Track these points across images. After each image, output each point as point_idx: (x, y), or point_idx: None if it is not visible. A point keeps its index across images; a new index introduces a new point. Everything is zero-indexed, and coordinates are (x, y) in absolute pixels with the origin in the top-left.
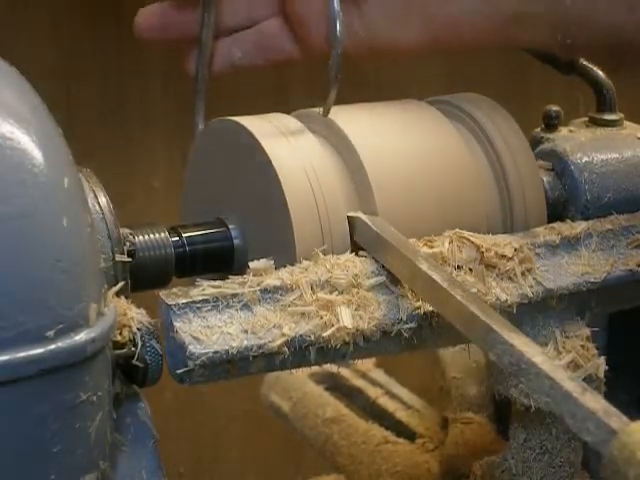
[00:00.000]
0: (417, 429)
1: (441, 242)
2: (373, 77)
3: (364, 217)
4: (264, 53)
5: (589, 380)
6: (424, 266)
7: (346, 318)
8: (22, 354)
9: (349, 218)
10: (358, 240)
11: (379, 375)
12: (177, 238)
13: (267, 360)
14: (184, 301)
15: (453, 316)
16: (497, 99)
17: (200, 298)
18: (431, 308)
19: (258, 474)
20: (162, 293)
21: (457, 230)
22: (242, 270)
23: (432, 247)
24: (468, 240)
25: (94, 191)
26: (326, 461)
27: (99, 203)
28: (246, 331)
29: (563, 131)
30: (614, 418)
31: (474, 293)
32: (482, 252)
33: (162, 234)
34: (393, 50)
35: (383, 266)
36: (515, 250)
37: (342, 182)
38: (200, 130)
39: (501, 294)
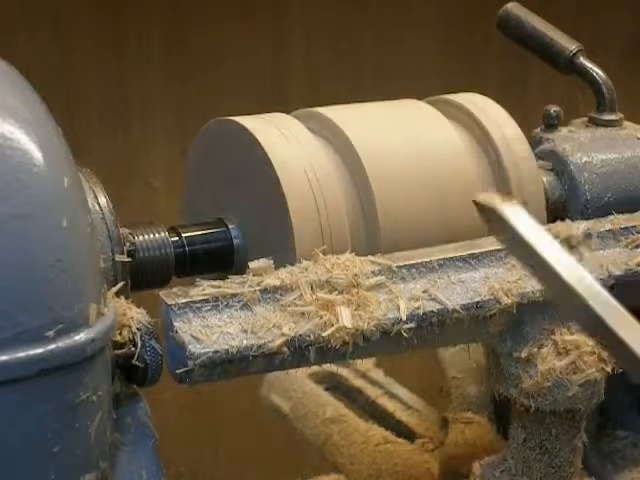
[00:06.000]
0: (417, 429)
1: None
2: (372, 76)
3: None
4: None
5: (589, 381)
6: None
7: (346, 318)
8: (22, 354)
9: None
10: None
11: (379, 375)
12: (177, 238)
13: (267, 360)
14: (184, 301)
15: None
16: (497, 99)
17: (200, 298)
18: (431, 308)
19: (258, 474)
20: (162, 293)
21: None
22: (242, 270)
23: None
24: None
25: (94, 191)
26: (326, 461)
27: (99, 203)
28: (246, 331)
29: (563, 131)
30: None
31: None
32: None
33: (162, 234)
34: None
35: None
36: None
37: (342, 182)
38: None
39: (501, 295)
